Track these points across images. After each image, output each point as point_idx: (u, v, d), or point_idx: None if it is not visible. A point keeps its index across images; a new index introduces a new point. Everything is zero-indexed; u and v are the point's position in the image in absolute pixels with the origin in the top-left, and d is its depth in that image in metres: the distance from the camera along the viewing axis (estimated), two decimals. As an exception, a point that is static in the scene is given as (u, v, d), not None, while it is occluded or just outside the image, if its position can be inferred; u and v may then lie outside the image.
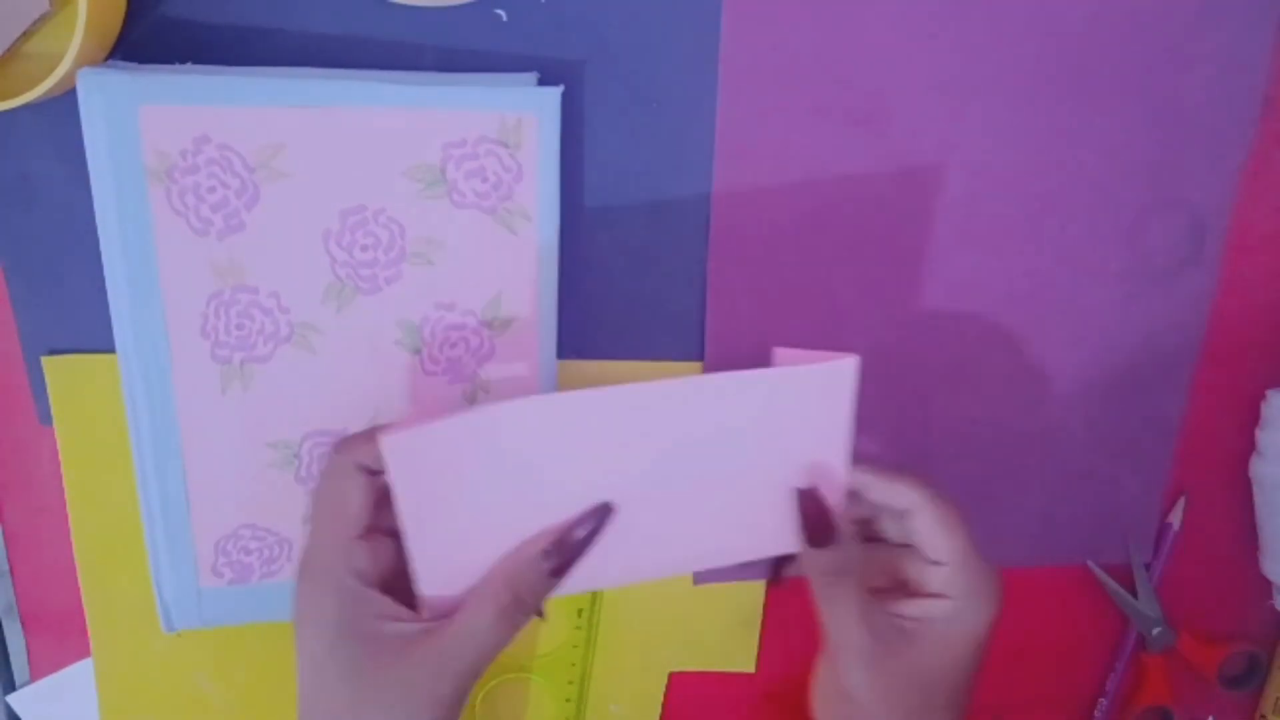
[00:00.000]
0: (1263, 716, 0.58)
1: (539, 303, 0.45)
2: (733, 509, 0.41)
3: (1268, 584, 0.56)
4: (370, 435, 0.38)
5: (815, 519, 0.41)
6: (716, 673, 0.55)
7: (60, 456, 0.46)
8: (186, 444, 0.44)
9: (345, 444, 0.39)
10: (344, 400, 0.45)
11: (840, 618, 0.41)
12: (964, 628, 0.42)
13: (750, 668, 0.55)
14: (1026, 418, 0.52)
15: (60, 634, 0.50)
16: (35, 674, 0.51)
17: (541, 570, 0.38)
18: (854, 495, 0.43)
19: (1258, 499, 0.54)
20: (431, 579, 0.39)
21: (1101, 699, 0.58)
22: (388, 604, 0.39)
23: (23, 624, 0.50)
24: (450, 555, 0.39)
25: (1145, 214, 0.49)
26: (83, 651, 0.50)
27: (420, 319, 0.45)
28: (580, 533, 0.39)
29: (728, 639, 0.54)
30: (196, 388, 0.43)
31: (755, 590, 0.53)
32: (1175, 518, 0.55)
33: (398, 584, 0.40)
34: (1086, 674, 0.58)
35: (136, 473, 0.44)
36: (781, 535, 0.42)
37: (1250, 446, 0.54)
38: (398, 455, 0.36)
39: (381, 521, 0.39)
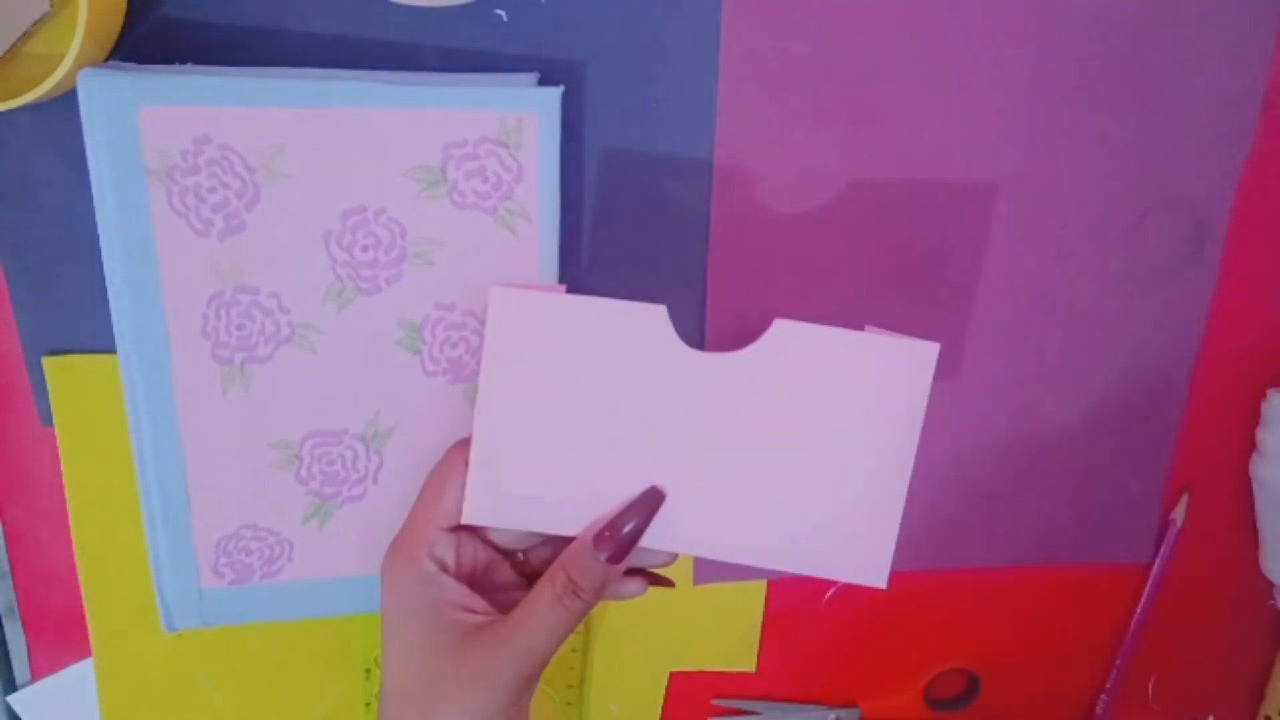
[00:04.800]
0: (1267, 717, 0.58)
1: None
2: (802, 497, 0.41)
3: (1268, 583, 0.56)
4: None
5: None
6: (716, 673, 0.55)
7: (60, 457, 0.46)
8: (187, 444, 0.44)
9: (465, 444, 0.41)
10: (344, 400, 0.45)
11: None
12: None
13: (750, 668, 0.55)
14: (1027, 418, 0.52)
15: (61, 634, 0.50)
16: (36, 674, 0.51)
17: (595, 558, 0.39)
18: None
19: (1258, 498, 0.54)
20: (483, 475, 0.40)
21: (1102, 696, 0.58)
22: (464, 593, 0.40)
23: (24, 624, 0.50)
24: (509, 452, 0.40)
25: (1145, 214, 0.49)
26: (83, 652, 0.50)
27: (421, 319, 0.45)
28: (630, 523, 0.39)
29: (728, 639, 0.54)
30: (197, 388, 0.43)
31: (755, 590, 0.53)
32: (1179, 514, 0.55)
33: (483, 585, 0.41)
34: (1086, 674, 0.58)
35: (137, 473, 0.44)
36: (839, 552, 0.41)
37: (1250, 446, 0.54)
38: (503, 310, 0.38)
39: (482, 532, 0.41)
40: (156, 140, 0.40)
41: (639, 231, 0.47)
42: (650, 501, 0.40)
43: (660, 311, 0.39)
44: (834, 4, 0.45)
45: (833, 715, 0.56)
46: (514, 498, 0.40)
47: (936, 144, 0.47)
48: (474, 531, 0.41)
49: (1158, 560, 0.55)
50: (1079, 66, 0.47)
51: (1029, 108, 0.47)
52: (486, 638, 0.39)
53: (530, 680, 0.39)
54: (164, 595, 0.46)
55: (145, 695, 0.50)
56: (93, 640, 0.49)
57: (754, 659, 0.55)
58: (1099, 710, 0.58)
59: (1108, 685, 0.57)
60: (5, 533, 0.48)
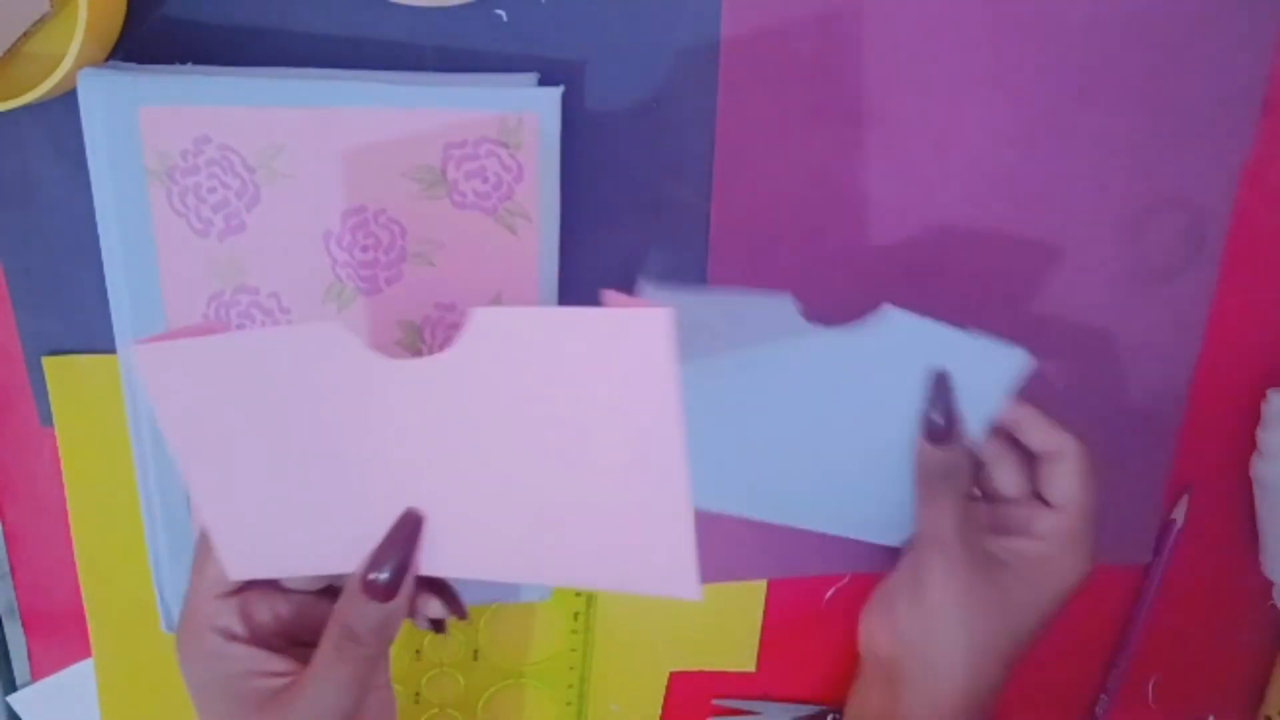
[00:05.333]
0: (1267, 717, 0.58)
1: (539, 303, 0.45)
2: (572, 502, 0.35)
3: (1268, 583, 0.56)
4: None
5: (941, 413, 0.42)
6: (716, 673, 0.55)
7: (60, 457, 0.46)
8: (187, 444, 0.44)
9: None
10: (344, 400, 0.45)
11: (934, 516, 0.43)
12: (1049, 577, 0.44)
13: (750, 667, 0.55)
14: (1027, 417, 0.52)
15: (61, 634, 0.50)
16: (36, 674, 0.51)
17: (365, 602, 0.36)
18: (1005, 433, 0.44)
19: (1258, 498, 0.54)
20: (226, 532, 0.37)
21: (1102, 696, 0.58)
22: (258, 658, 0.38)
23: (23, 624, 0.50)
24: (240, 505, 0.36)
25: (1145, 214, 0.49)
26: (83, 651, 0.50)
27: (421, 319, 0.45)
28: (390, 558, 0.36)
29: (728, 639, 0.54)
30: (197, 388, 0.43)
31: (755, 590, 0.53)
32: (1179, 514, 0.55)
33: (298, 634, 0.39)
34: (1086, 674, 0.58)
35: (137, 473, 0.44)
36: (628, 561, 0.36)
37: (1250, 446, 0.54)
38: (154, 368, 0.33)
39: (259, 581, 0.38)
40: (156, 140, 0.40)
41: (639, 231, 0.47)
42: (407, 528, 0.36)
43: (336, 328, 0.33)
44: (834, 4, 0.45)
45: (832, 715, 0.56)
46: (271, 547, 0.37)
47: (936, 144, 0.47)
48: (267, 585, 0.39)
49: (1158, 560, 0.55)
50: (1079, 66, 0.47)
51: (1029, 108, 0.47)
52: (280, 702, 0.37)
53: None
54: (164, 595, 0.46)
55: (145, 695, 0.50)
56: (93, 640, 0.49)
57: (754, 659, 0.55)
58: (1099, 710, 0.58)
59: (1108, 685, 0.57)
60: (5, 533, 0.48)
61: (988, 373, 0.42)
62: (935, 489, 0.43)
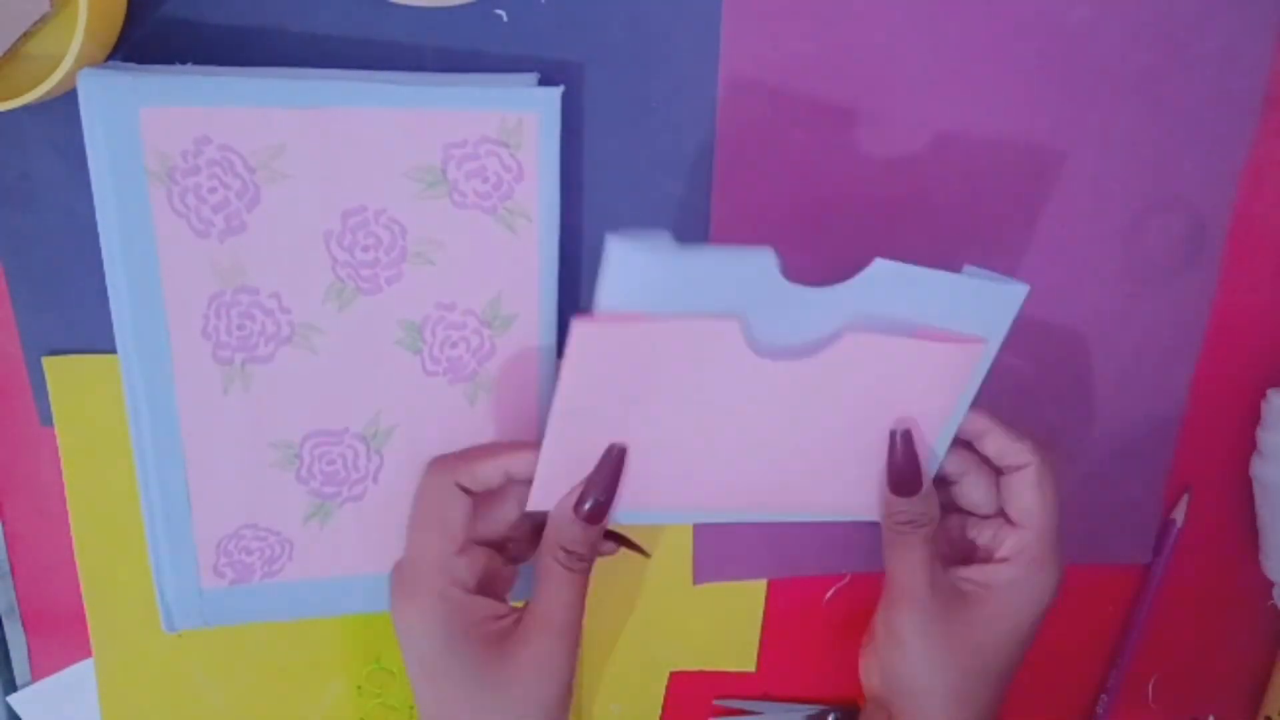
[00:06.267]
0: (1267, 717, 0.58)
1: (539, 303, 0.45)
2: (828, 462, 0.44)
3: (1268, 583, 0.56)
4: (468, 456, 0.42)
5: (905, 467, 0.43)
6: (716, 672, 0.55)
7: (61, 457, 0.46)
8: (188, 444, 0.44)
9: (444, 463, 0.42)
10: (345, 400, 0.45)
11: (904, 568, 0.44)
12: (1023, 598, 0.44)
13: (750, 667, 0.55)
14: (1026, 418, 0.52)
15: (61, 634, 0.50)
16: (36, 674, 0.51)
17: (577, 525, 0.42)
18: (966, 443, 0.45)
19: (1258, 498, 0.54)
20: (546, 487, 0.42)
21: (1102, 696, 0.58)
22: (489, 605, 0.42)
23: (23, 624, 0.50)
24: (576, 452, 0.42)
25: (1145, 214, 0.49)
26: (84, 652, 0.50)
27: (421, 319, 0.45)
28: (599, 487, 0.42)
29: (728, 639, 0.54)
30: (198, 388, 0.43)
31: (755, 590, 0.53)
32: (1179, 514, 0.55)
33: (491, 587, 0.43)
34: (1086, 674, 0.58)
35: (137, 473, 0.44)
36: (866, 496, 0.45)
37: (1250, 446, 0.54)
38: (584, 344, 0.39)
39: (474, 534, 0.42)
40: (157, 141, 0.40)
41: (639, 231, 0.47)
42: (613, 461, 0.42)
43: (734, 325, 0.39)
44: (834, 4, 0.45)
45: (833, 715, 0.56)
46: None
47: (936, 144, 0.47)
48: (470, 541, 0.42)
49: (1158, 560, 0.55)
50: (1079, 67, 0.47)
51: (1029, 108, 0.47)
52: (519, 632, 0.41)
53: (569, 657, 0.42)
54: (164, 595, 0.46)
55: (145, 695, 0.50)
56: (93, 640, 0.49)
57: (754, 659, 0.55)
58: (1099, 710, 0.58)
59: (1108, 685, 0.57)
60: (5, 533, 0.48)
61: (987, 310, 0.41)
62: (903, 538, 0.44)
